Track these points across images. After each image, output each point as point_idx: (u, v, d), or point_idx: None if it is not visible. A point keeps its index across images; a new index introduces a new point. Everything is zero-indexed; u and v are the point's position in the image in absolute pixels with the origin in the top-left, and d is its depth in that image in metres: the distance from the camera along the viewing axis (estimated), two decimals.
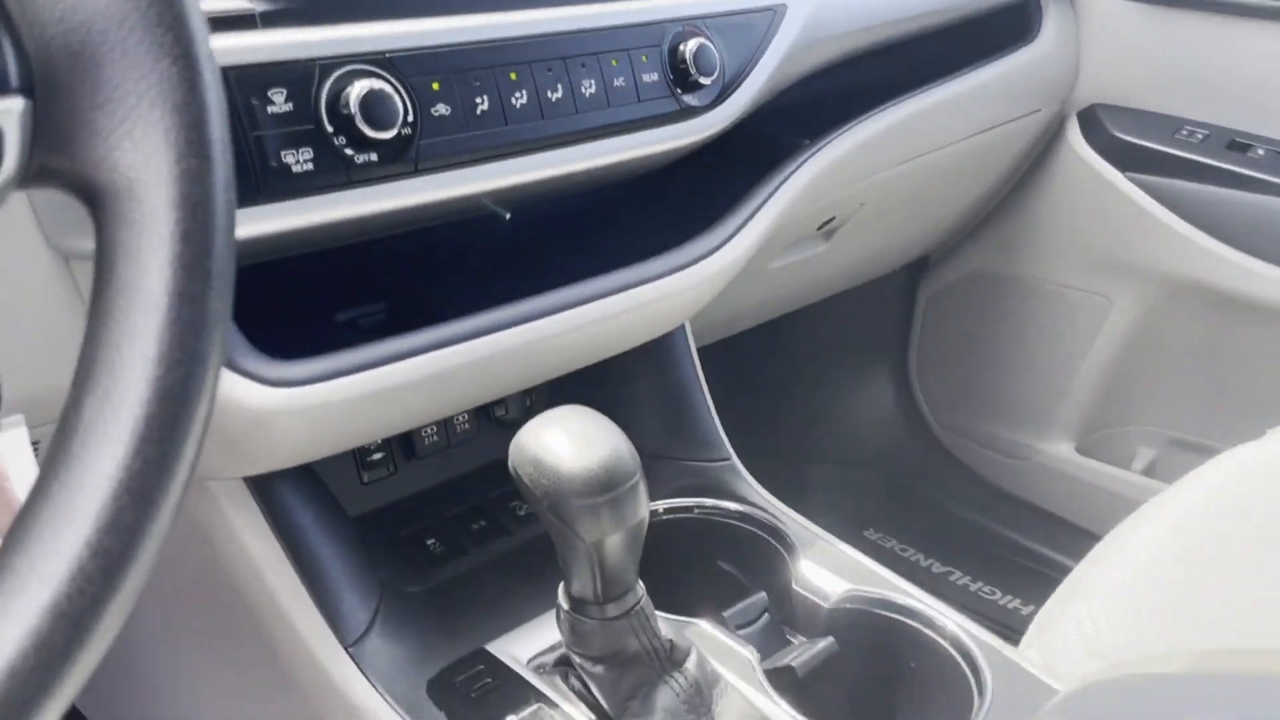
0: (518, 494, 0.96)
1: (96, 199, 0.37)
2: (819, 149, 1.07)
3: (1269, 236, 1.37)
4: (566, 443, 0.67)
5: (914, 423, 1.78)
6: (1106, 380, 1.57)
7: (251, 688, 0.88)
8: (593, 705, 0.73)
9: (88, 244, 0.38)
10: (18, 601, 0.31)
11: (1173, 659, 0.69)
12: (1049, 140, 1.50)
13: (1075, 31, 1.43)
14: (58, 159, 0.37)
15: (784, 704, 0.75)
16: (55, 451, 0.34)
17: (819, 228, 1.27)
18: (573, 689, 0.75)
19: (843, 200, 1.23)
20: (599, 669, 0.73)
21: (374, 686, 0.74)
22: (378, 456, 0.93)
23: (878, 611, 0.86)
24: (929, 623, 0.84)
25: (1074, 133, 1.47)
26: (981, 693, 0.78)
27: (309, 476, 0.83)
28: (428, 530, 0.92)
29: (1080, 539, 1.55)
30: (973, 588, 1.56)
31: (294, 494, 0.80)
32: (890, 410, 1.78)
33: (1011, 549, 1.61)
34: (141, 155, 0.36)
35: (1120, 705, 0.66)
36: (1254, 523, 0.97)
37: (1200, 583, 0.92)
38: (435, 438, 0.95)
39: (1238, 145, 1.38)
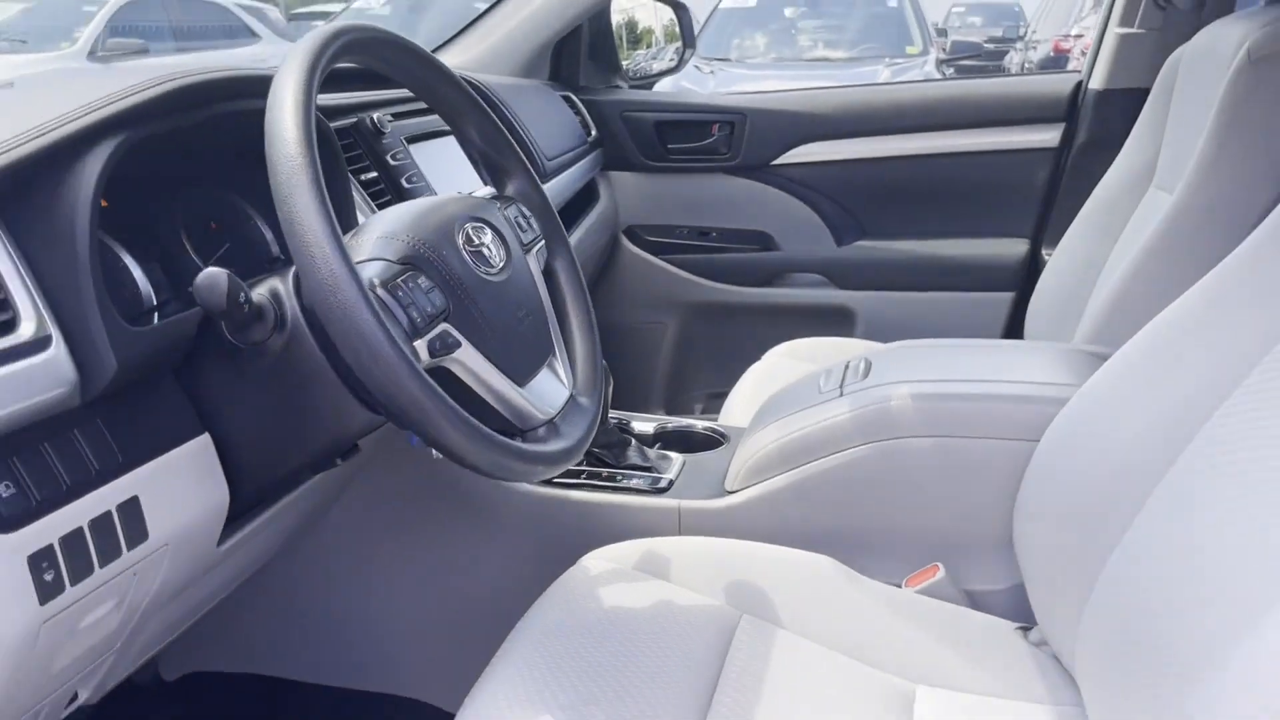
0: None
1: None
2: None
3: (727, 272, 2.76)
4: None
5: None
6: (672, 370, 2.87)
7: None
8: (606, 462, 1.78)
9: None
10: None
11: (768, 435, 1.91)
12: (613, 249, 2.79)
13: (613, 193, 2.76)
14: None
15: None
16: None
17: None
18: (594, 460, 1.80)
19: None
20: (604, 451, 1.79)
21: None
22: None
23: (671, 431, 2.00)
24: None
25: (626, 242, 2.78)
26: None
27: None
28: None
29: None
30: None
31: None
32: None
33: None
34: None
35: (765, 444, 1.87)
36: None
37: None
38: None
39: (704, 232, 2.78)
